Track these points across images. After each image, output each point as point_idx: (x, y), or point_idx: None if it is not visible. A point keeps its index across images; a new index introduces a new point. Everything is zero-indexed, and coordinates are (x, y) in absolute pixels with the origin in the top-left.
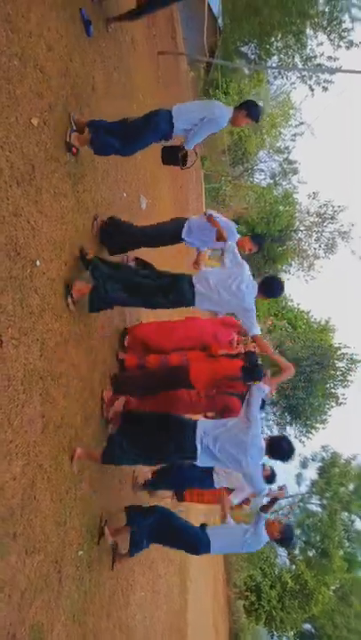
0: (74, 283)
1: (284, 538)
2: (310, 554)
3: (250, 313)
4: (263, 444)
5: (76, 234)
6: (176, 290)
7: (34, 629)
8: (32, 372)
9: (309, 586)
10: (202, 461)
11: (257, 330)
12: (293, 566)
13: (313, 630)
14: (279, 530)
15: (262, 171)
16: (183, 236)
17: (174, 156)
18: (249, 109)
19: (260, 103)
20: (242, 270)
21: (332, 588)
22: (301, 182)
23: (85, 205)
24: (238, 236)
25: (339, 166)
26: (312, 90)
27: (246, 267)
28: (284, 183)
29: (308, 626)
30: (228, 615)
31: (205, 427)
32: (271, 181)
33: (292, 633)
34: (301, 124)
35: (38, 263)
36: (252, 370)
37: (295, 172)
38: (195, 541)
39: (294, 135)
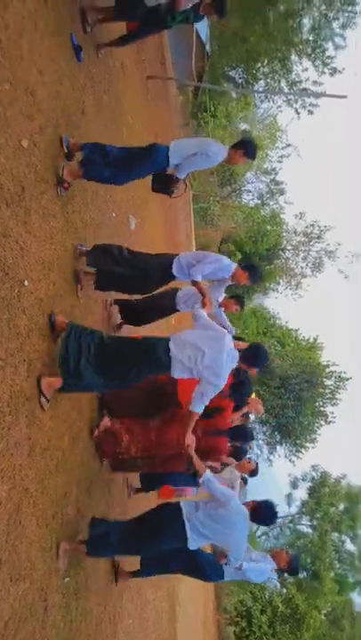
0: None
1: (290, 568)
2: (301, 576)
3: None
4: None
5: (65, 254)
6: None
7: None
8: (18, 393)
9: (300, 610)
10: (193, 544)
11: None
12: (284, 589)
13: None
14: (286, 560)
15: (250, 191)
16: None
17: (165, 185)
18: (246, 148)
19: (247, 126)
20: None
21: (324, 611)
22: (288, 202)
23: (74, 226)
24: (232, 266)
25: (325, 187)
26: (298, 113)
27: (229, 336)
28: (271, 203)
29: None
30: None
31: (188, 510)
32: (259, 202)
33: None
34: (288, 145)
35: (26, 283)
36: (240, 386)
37: (282, 192)
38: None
39: (281, 157)
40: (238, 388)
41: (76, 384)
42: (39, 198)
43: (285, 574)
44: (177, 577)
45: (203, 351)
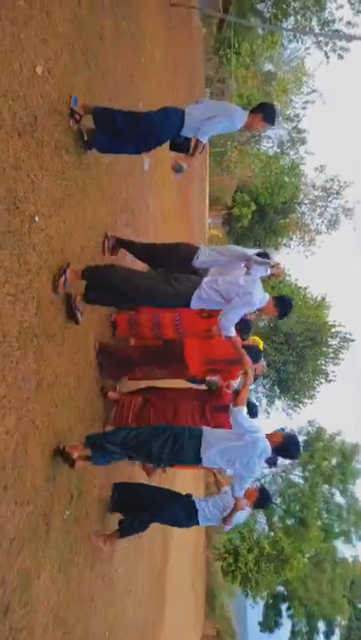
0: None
1: (258, 501)
2: (289, 522)
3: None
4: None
5: (76, 190)
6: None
7: (21, 574)
8: (27, 329)
9: (285, 552)
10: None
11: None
12: (272, 533)
13: (285, 593)
14: (255, 495)
15: (270, 138)
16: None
17: (183, 144)
18: (265, 112)
19: (272, 67)
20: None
21: (308, 555)
22: (309, 153)
23: (87, 162)
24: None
25: (349, 139)
26: (327, 57)
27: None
28: (291, 153)
29: (281, 588)
30: (206, 574)
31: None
32: (278, 150)
33: (265, 593)
34: (313, 91)
35: (37, 219)
36: (249, 351)
37: (303, 141)
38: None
39: (305, 103)
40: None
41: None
42: (52, 130)
43: (257, 508)
44: None
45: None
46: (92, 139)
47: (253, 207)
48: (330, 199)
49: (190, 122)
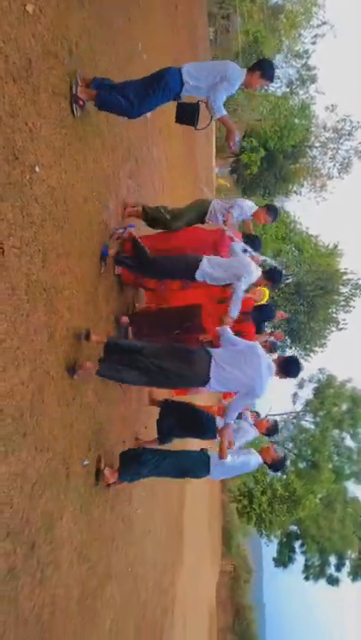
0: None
1: (274, 464)
2: (301, 466)
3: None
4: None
5: (76, 138)
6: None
7: (44, 516)
8: (35, 282)
9: (298, 493)
10: (213, 386)
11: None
12: (284, 476)
13: (298, 531)
14: (272, 457)
15: (278, 78)
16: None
17: (190, 116)
18: (263, 69)
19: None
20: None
21: (319, 496)
22: (320, 92)
23: (87, 109)
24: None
25: None
26: None
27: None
28: (301, 93)
29: (294, 527)
30: (222, 516)
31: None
32: (287, 90)
33: (279, 532)
34: (324, 23)
35: (38, 169)
36: (262, 308)
37: (313, 79)
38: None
39: (315, 37)
40: (261, 309)
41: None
42: (47, 74)
43: (270, 469)
44: None
45: None
46: (95, 100)
47: (262, 153)
48: (341, 141)
49: (189, 80)
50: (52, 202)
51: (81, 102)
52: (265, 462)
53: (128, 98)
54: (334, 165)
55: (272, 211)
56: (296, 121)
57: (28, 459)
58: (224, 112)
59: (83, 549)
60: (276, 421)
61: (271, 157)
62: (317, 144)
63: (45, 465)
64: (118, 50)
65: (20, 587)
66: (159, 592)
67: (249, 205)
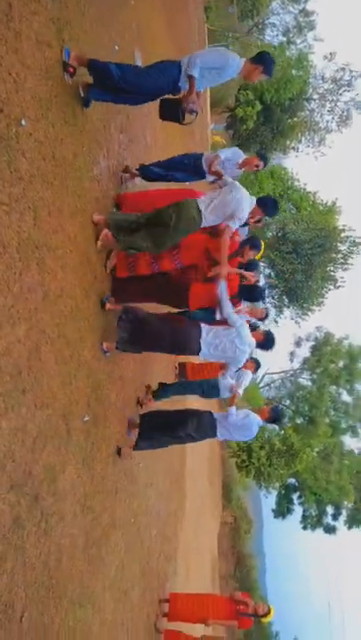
0: None
1: (272, 416)
2: (298, 421)
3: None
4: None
5: (64, 90)
6: None
7: (47, 469)
8: (27, 240)
9: (295, 447)
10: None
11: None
12: (282, 432)
13: (296, 484)
14: (268, 412)
15: (274, 26)
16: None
17: (174, 111)
18: (266, 65)
19: None
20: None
21: (316, 449)
22: (318, 40)
23: (75, 74)
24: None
25: None
26: None
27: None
28: (298, 42)
29: (292, 480)
30: (222, 471)
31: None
32: (284, 39)
33: (277, 485)
34: None
35: (24, 123)
36: (251, 289)
37: (312, 26)
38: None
39: None
40: (249, 290)
41: None
42: (30, 20)
43: (271, 424)
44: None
45: None
46: (89, 92)
47: (258, 107)
48: (340, 92)
49: (191, 69)
50: (40, 157)
51: (71, 69)
52: (265, 420)
53: (124, 90)
54: (333, 118)
55: (261, 155)
56: (294, 72)
57: (28, 414)
58: (195, 73)
59: (86, 501)
60: (270, 331)
61: (268, 111)
62: (316, 96)
63: (46, 420)
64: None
65: (25, 535)
66: (162, 540)
67: (234, 151)
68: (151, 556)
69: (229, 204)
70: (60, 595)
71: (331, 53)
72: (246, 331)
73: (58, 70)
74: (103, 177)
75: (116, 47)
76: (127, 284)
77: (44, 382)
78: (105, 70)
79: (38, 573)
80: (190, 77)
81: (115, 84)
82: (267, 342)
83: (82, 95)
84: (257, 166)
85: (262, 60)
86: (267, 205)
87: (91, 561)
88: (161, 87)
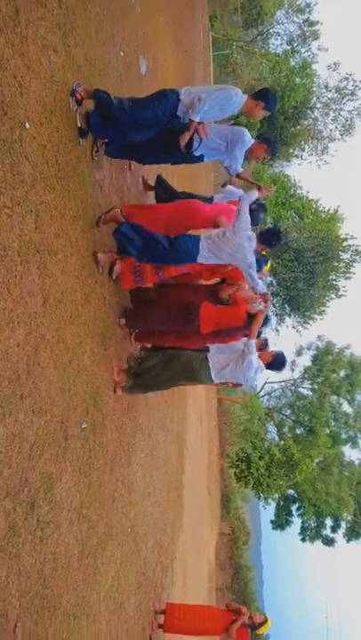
0: None
1: (274, 362)
2: (298, 431)
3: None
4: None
5: (68, 96)
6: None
7: (44, 476)
8: (28, 244)
9: (295, 458)
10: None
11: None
12: (282, 442)
13: (295, 495)
14: (272, 355)
15: (279, 35)
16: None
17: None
18: (267, 102)
19: None
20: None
21: (316, 460)
22: (322, 49)
23: (77, 63)
24: (244, 98)
25: None
26: None
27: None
28: (302, 51)
29: (291, 491)
30: (221, 481)
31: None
32: (288, 48)
33: (276, 496)
34: None
35: (28, 126)
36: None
37: (316, 36)
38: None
39: None
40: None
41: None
42: (37, 25)
43: (271, 369)
44: (185, 424)
45: None
46: (87, 123)
47: None
48: (344, 101)
49: (186, 101)
50: (43, 160)
51: (79, 96)
52: (267, 365)
53: (123, 104)
54: (336, 127)
55: (266, 141)
56: (297, 80)
57: (26, 420)
58: (240, 169)
59: (83, 509)
60: (281, 353)
61: (271, 119)
62: (319, 105)
63: (43, 427)
64: (111, 2)
65: (21, 543)
66: (159, 551)
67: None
68: (148, 566)
69: (230, 249)
70: (54, 605)
71: (335, 63)
72: (255, 362)
73: (62, 74)
74: (106, 182)
75: (122, 53)
76: (137, 314)
77: (42, 388)
78: (107, 102)
79: (33, 582)
80: (191, 121)
81: (114, 114)
82: (276, 363)
83: (78, 125)
84: (264, 156)
85: (264, 96)
86: (270, 240)
87: (86, 571)
88: (159, 118)
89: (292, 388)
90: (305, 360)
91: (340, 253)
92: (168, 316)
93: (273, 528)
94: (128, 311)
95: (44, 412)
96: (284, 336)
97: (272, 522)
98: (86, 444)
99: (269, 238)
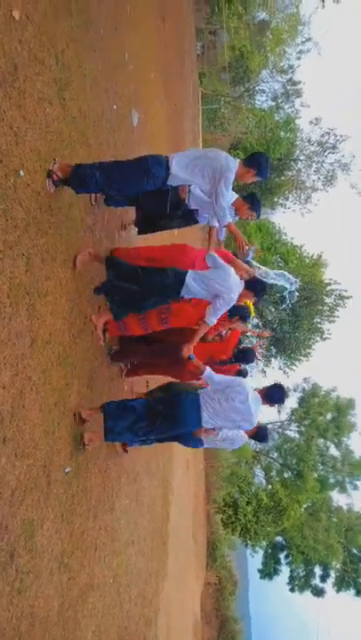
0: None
1: (258, 435)
2: (286, 475)
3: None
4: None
5: (62, 145)
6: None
7: (25, 523)
8: (18, 286)
9: (283, 503)
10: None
11: None
12: (269, 486)
13: (283, 542)
14: (253, 431)
15: (264, 92)
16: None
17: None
18: (259, 169)
19: (266, 15)
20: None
21: (304, 505)
22: (304, 105)
23: (72, 115)
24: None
25: (345, 90)
26: (323, 0)
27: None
28: (286, 107)
29: (279, 538)
30: (207, 527)
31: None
32: (273, 104)
33: (264, 543)
34: (308, 39)
35: (22, 174)
36: (245, 353)
37: (298, 93)
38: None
39: (300, 53)
40: (243, 354)
41: None
42: (34, 80)
43: (255, 440)
44: (171, 468)
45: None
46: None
47: None
48: (326, 154)
49: (177, 170)
50: (36, 206)
51: (55, 177)
52: (250, 436)
53: (106, 174)
54: (319, 178)
55: (250, 200)
56: (282, 134)
57: (8, 465)
58: (230, 219)
59: (64, 558)
60: (280, 384)
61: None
62: (302, 157)
63: (26, 471)
64: (105, 59)
65: None
66: (143, 603)
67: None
68: (130, 619)
69: (216, 285)
70: None
71: (316, 118)
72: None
73: (57, 125)
74: (97, 226)
75: (115, 106)
76: (126, 349)
77: (26, 431)
78: (89, 176)
79: None
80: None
81: (98, 186)
82: (273, 396)
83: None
84: (250, 217)
85: (256, 163)
86: (256, 290)
87: (65, 625)
88: (147, 190)
89: (280, 430)
90: (292, 401)
91: (325, 297)
92: (157, 348)
93: (261, 577)
94: (114, 352)
95: (27, 455)
96: (271, 377)
97: (260, 571)
98: (69, 489)
99: (255, 286)
